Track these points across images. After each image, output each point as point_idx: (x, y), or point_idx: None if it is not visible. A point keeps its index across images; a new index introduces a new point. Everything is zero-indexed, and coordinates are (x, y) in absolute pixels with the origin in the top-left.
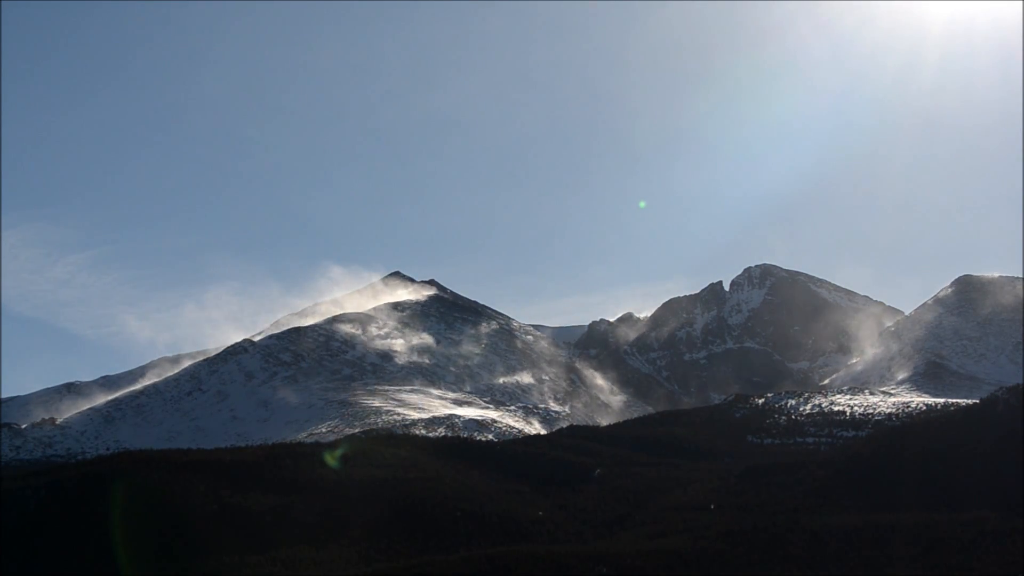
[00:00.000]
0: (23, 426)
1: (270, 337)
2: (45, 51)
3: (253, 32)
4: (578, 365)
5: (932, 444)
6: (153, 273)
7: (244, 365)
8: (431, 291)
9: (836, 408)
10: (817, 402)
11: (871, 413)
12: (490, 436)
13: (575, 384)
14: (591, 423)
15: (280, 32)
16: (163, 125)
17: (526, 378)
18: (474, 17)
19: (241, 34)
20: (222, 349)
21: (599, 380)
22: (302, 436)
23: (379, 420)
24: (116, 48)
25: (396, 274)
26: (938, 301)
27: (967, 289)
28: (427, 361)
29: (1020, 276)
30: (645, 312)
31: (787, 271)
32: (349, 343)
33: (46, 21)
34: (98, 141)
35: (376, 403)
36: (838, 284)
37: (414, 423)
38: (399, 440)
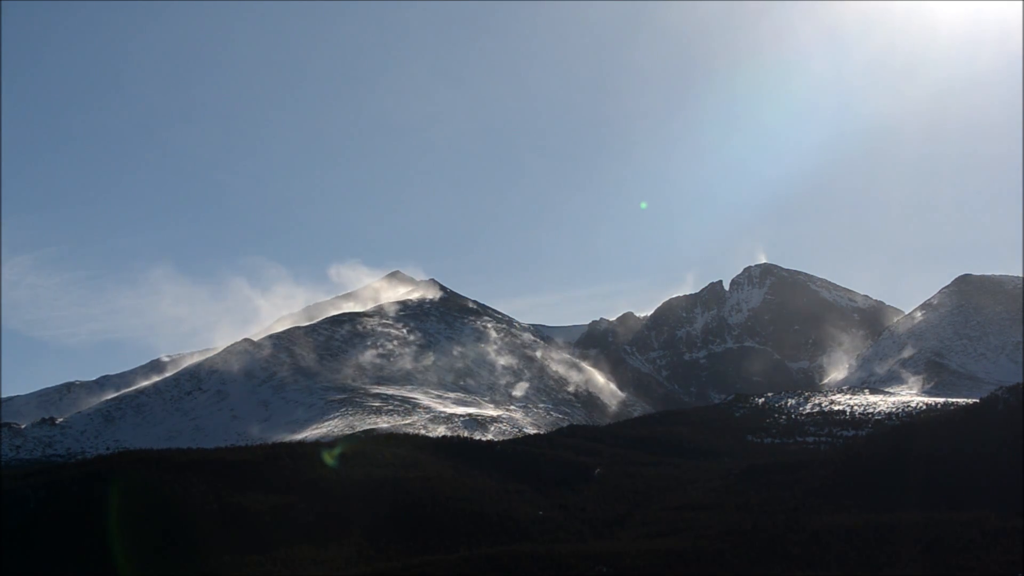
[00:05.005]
0: (23, 426)
1: (270, 337)
2: None
3: (250, 31)
4: (578, 364)
5: (932, 444)
6: (104, 274)
7: (244, 365)
8: (432, 291)
9: (836, 408)
10: (817, 402)
11: (871, 413)
12: (490, 435)
13: (575, 383)
14: (591, 423)
15: (277, 32)
16: (156, 126)
17: (526, 377)
18: (475, 17)
19: (237, 33)
20: (222, 349)
21: (599, 379)
22: (302, 436)
23: (379, 420)
24: (71, 46)
25: (396, 274)
26: (938, 301)
27: (967, 289)
28: (427, 360)
29: (1020, 276)
30: (645, 312)
31: (787, 271)
32: (349, 343)
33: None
34: (56, 140)
35: (376, 403)
36: (838, 283)
37: (414, 422)
38: (399, 440)
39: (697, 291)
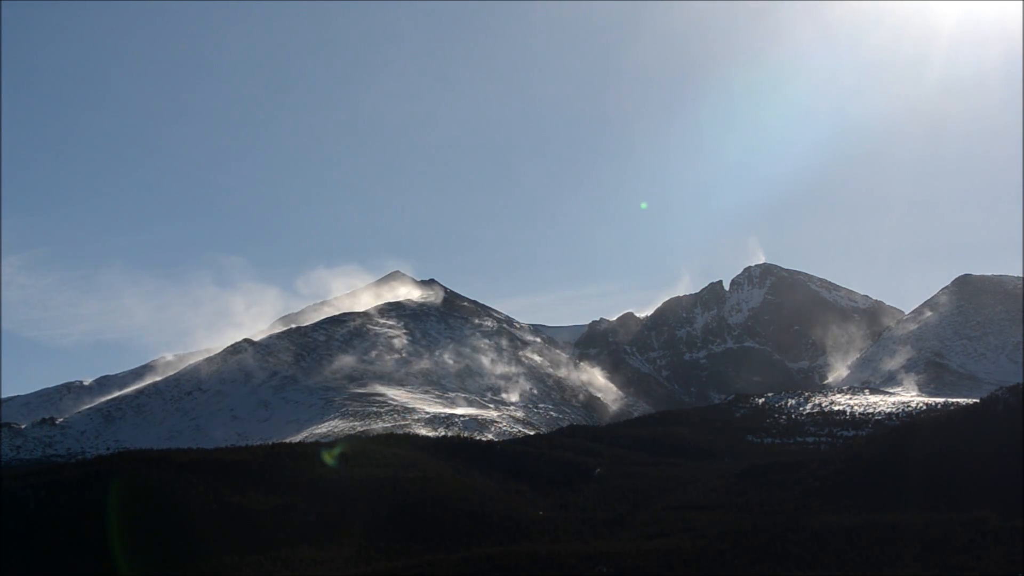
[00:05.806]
0: (23, 426)
1: (270, 337)
2: None
3: (249, 31)
4: (578, 365)
5: (932, 444)
6: (94, 274)
7: (244, 365)
8: (431, 291)
9: (836, 408)
10: (817, 402)
11: (871, 413)
12: (490, 436)
13: (575, 384)
14: (591, 423)
15: (276, 31)
16: (149, 126)
17: (526, 378)
18: (474, 17)
19: (236, 33)
20: (222, 349)
21: (599, 380)
22: (302, 436)
23: (379, 420)
24: (62, 47)
25: (396, 274)
26: (938, 301)
27: (967, 289)
28: (427, 361)
29: (1020, 276)
30: (645, 312)
31: (787, 271)
32: (349, 343)
33: None
34: (46, 140)
35: (376, 403)
36: (838, 283)
37: (414, 422)
38: (399, 440)
39: (697, 291)
